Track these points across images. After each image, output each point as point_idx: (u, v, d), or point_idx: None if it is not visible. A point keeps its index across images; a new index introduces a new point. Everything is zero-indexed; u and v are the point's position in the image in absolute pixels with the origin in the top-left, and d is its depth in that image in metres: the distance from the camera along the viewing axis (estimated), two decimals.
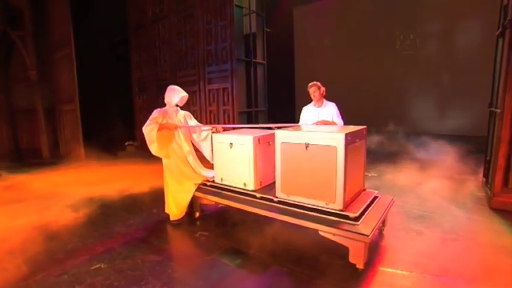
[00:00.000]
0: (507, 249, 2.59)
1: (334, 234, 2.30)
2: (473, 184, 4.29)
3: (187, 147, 3.46)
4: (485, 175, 4.22)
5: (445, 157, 5.46)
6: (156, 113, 3.32)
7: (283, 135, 2.66)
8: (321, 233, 2.38)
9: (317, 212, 2.47)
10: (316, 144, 2.43)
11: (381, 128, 8.03)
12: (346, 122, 3.46)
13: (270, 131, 3.10)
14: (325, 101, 3.50)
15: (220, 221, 3.36)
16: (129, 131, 8.46)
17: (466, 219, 3.22)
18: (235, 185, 3.14)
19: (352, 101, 8.75)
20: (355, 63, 10.02)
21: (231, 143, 3.11)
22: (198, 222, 3.38)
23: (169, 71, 7.16)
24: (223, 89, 6.16)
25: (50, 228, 3.28)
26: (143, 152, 7.41)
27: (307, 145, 2.49)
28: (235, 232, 3.05)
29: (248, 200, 2.95)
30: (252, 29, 6.38)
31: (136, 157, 7.10)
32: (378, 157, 5.65)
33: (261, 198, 2.88)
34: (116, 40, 8.29)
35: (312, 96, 3.49)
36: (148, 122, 3.25)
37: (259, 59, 6.61)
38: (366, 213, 2.44)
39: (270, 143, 3.08)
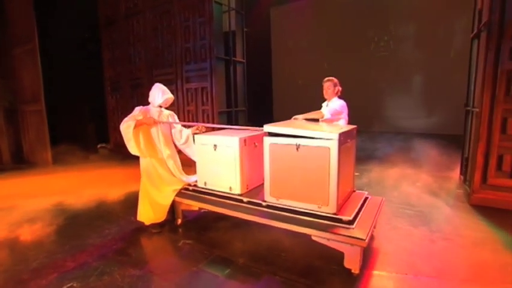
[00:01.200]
0: (491, 245, 2.64)
1: (328, 239, 2.21)
2: (452, 181, 4.42)
3: (167, 151, 3.23)
4: (463, 172, 4.35)
5: (423, 155, 5.61)
6: (136, 110, 3.11)
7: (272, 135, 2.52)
8: (314, 238, 2.28)
9: (309, 216, 2.37)
10: (308, 145, 2.33)
11: (359, 128, 8.16)
12: None
13: (256, 132, 2.96)
14: (334, 98, 3.27)
15: (204, 228, 3.17)
16: (102, 132, 7.97)
17: (450, 216, 3.27)
18: (220, 189, 2.97)
19: None
20: (332, 63, 10.16)
21: (215, 145, 2.93)
22: (180, 230, 3.16)
23: (145, 69, 6.81)
24: (202, 88, 5.94)
25: (9, 245, 2.90)
26: (117, 155, 7.02)
27: (298, 146, 2.37)
28: (222, 239, 2.87)
29: (234, 204, 2.79)
30: (232, 26, 6.22)
31: (110, 160, 6.69)
32: (359, 157, 5.68)
33: (249, 202, 2.74)
34: (87, 36, 7.77)
35: (324, 92, 3.29)
36: (126, 119, 3.02)
37: (238, 58, 6.46)
38: (359, 215, 2.37)
39: (256, 144, 2.95)
